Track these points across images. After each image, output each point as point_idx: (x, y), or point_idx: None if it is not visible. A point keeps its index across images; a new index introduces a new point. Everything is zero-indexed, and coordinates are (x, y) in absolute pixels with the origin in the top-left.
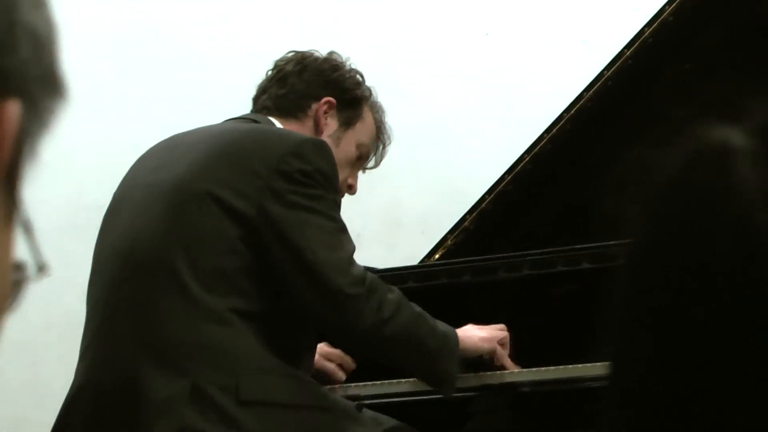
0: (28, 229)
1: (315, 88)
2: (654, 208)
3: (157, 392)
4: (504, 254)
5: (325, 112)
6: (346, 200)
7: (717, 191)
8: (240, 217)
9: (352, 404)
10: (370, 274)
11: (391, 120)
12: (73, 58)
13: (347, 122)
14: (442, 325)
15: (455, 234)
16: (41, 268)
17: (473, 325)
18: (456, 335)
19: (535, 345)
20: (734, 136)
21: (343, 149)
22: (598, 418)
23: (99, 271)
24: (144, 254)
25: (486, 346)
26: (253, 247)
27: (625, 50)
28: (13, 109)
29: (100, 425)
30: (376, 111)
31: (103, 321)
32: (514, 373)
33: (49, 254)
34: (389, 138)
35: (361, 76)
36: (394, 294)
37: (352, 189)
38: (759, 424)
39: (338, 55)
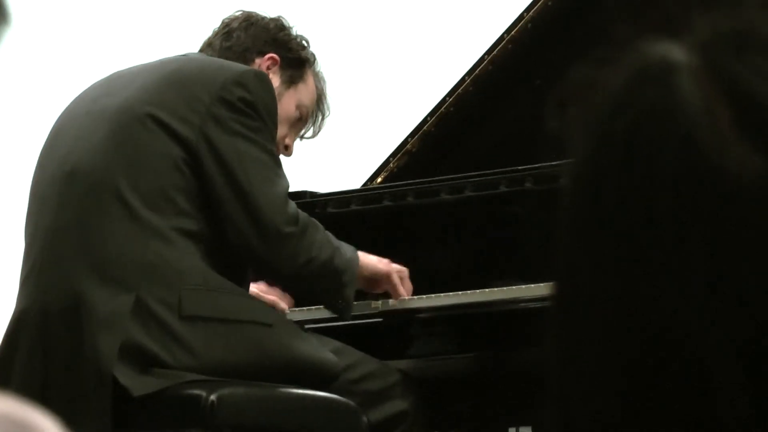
0: None
1: (260, 44)
2: (596, 127)
3: (101, 307)
4: (447, 176)
5: (268, 68)
6: None
7: (660, 109)
8: (181, 140)
9: (296, 324)
10: (301, 212)
11: (332, 42)
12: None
13: (289, 80)
14: (348, 251)
15: (397, 157)
16: None
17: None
18: (357, 260)
19: (478, 266)
20: (677, 53)
21: (283, 106)
22: (541, 340)
23: (39, 196)
24: (86, 176)
25: (382, 267)
26: (194, 169)
27: None
28: None
29: (47, 344)
30: (319, 80)
31: (45, 245)
32: (413, 299)
33: None
34: (329, 109)
35: (307, 42)
36: (319, 230)
37: (288, 150)
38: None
39: (285, 19)
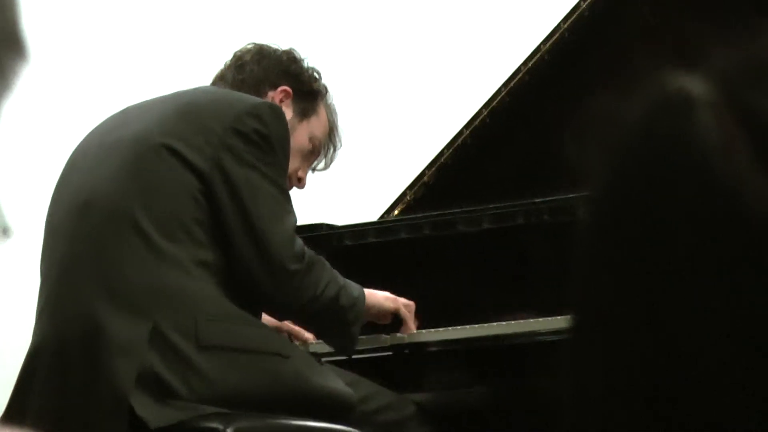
0: None
1: (273, 76)
2: (615, 158)
3: (117, 335)
4: (463, 208)
5: (281, 100)
6: None
7: (678, 141)
8: (196, 170)
9: (312, 357)
10: (308, 250)
11: (349, 74)
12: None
13: (302, 113)
14: (355, 290)
15: (414, 189)
16: (4, 231)
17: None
18: (364, 298)
19: (495, 298)
20: (695, 85)
21: (296, 139)
22: (559, 373)
23: (54, 229)
24: (102, 206)
25: (390, 304)
26: (209, 199)
27: (581, 2)
28: None
29: (64, 372)
30: (331, 112)
31: (60, 275)
32: (422, 333)
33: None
34: (340, 141)
35: (319, 74)
36: (326, 268)
37: (301, 182)
38: (719, 365)
39: (297, 51)
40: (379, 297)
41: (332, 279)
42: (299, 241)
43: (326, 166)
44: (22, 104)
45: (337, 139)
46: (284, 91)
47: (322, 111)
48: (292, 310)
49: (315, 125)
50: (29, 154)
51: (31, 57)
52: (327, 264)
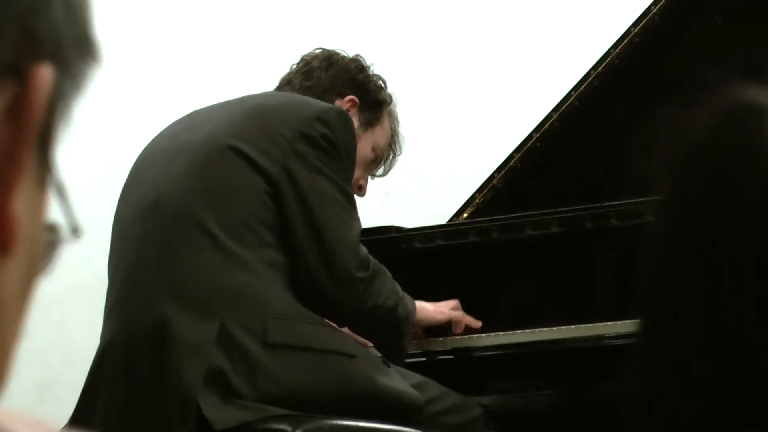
0: (61, 192)
1: (339, 85)
2: (683, 167)
3: (185, 335)
4: (532, 212)
5: (348, 110)
6: None
7: (745, 151)
8: (264, 173)
9: (379, 357)
10: (372, 258)
11: (418, 77)
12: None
13: (367, 123)
14: (410, 302)
15: (483, 192)
16: (75, 231)
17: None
18: (415, 311)
19: (564, 302)
20: (764, 95)
21: (360, 149)
22: (626, 376)
23: (121, 230)
24: (169, 207)
25: (439, 317)
26: (275, 202)
27: (652, 6)
28: (46, 72)
29: (131, 374)
30: (393, 119)
31: (128, 276)
32: (483, 337)
33: (79, 215)
34: (401, 148)
35: (384, 82)
36: (387, 278)
37: (362, 190)
38: None
39: (363, 58)
40: (429, 311)
41: (393, 290)
42: (364, 249)
43: (385, 173)
44: (91, 105)
45: (397, 147)
46: (351, 100)
47: (386, 120)
48: (353, 317)
49: (379, 135)
50: (98, 155)
51: (102, 60)
52: (388, 273)
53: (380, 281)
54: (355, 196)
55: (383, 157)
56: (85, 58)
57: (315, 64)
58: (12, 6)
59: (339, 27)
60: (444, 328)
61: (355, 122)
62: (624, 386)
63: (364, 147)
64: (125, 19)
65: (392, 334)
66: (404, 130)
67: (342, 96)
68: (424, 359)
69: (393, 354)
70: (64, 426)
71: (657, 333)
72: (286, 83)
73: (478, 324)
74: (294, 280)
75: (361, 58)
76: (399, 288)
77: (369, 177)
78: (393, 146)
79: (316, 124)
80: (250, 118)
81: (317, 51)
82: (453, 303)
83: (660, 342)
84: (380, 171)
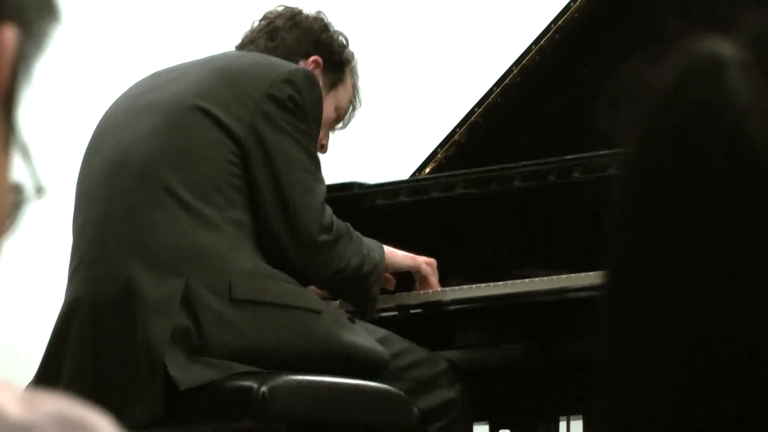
0: (25, 152)
1: (304, 46)
2: (648, 121)
3: (151, 294)
4: (495, 166)
5: (313, 71)
6: None
7: (711, 103)
8: (231, 134)
9: (344, 313)
10: (337, 220)
11: (377, 32)
12: None
13: (331, 84)
14: (376, 253)
15: (445, 147)
16: (39, 190)
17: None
18: (384, 259)
19: (528, 256)
20: (727, 48)
21: (324, 109)
22: (593, 329)
23: (86, 191)
24: (135, 167)
25: (408, 261)
26: (242, 163)
27: None
28: (9, 34)
29: (98, 333)
30: (354, 75)
31: (94, 236)
32: (446, 291)
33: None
34: (360, 102)
35: (347, 40)
36: (352, 238)
37: (324, 148)
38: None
39: (325, 15)
40: (398, 256)
41: (356, 249)
42: (329, 212)
43: (344, 126)
44: (52, 65)
45: (357, 101)
46: (315, 61)
47: (348, 79)
48: (316, 279)
49: (341, 94)
50: (59, 115)
51: (63, 18)
52: (352, 231)
53: (344, 243)
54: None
55: (344, 114)
56: (47, 17)
57: (279, 23)
58: None
59: None
60: (410, 282)
61: (320, 83)
62: (592, 339)
63: (328, 107)
64: None
65: (359, 291)
66: (366, 85)
67: (306, 57)
68: (394, 313)
69: (364, 306)
70: (28, 385)
71: (625, 286)
72: (249, 42)
73: (437, 287)
74: (260, 239)
75: (323, 16)
76: (363, 244)
77: (330, 133)
78: (353, 101)
79: (284, 86)
80: (217, 78)
81: (280, 8)
82: (430, 259)
83: (628, 294)
84: (339, 125)
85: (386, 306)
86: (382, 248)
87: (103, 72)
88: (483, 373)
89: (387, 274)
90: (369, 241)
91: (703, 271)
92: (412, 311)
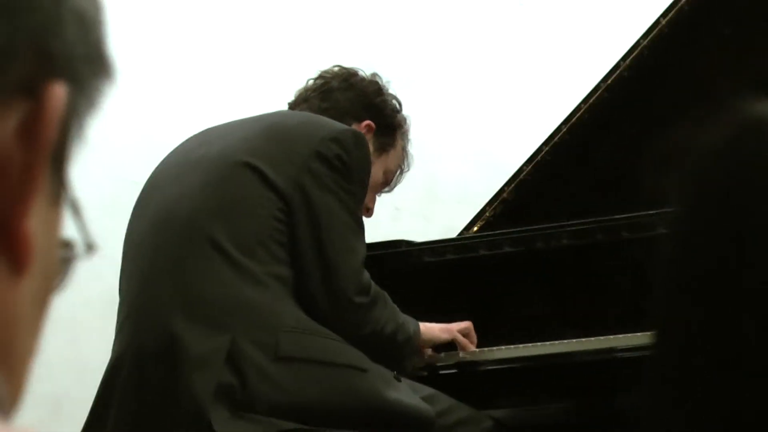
0: (75, 209)
1: (358, 109)
2: (698, 179)
3: (196, 348)
4: (543, 225)
5: (364, 135)
6: None
7: (758, 163)
8: (277, 189)
9: (389, 371)
10: (374, 285)
11: (427, 93)
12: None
13: (381, 148)
14: (411, 326)
15: (494, 205)
16: (89, 247)
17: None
18: (419, 335)
19: (573, 316)
20: None
21: (372, 173)
22: (639, 389)
23: (134, 245)
24: (182, 221)
25: (445, 335)
26: (288, 219)
27: (661, 18)
28: (60, 90)
29: (141, 387)
30: (404, 138)
31: (141, 289)
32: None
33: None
34: (409, 166)
35: (400, 103)
36: (387, 304)
37: (369, 212)
38: None
39: (380, 77)
40: (434, 330)
41: (392, 316)
42: (366, 275)
43: (390, 189)
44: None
45: (405, 164)
46: (368, 125)
47: (399, 143)
48: (350, 341)
49: (391, 159)
50: (110, 172)
51: (116, 77)
52: (389, 299)
53: (380, 308)
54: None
55: (393, 178)
56: (99, 75)
57: (334, 84)
58: (25, 24)
59: (352, 40)
60: (451, 344)
61: (370, 147)
62: (637, 399)
63: (377, 171)
64: (139, 35)
65: (392, 359)
66: (415, 142)
67: (359, 120)
68: (425, 374)
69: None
70: None
71: (672, 346)
72: (302, 101)
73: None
74: (298, 295)
75: (378, 79)
76: (399, 313)
77: (377, 196)
78: (402, 164)
79: (332, 145)
80: (266, 135)
81: (336, 69)
82: (464, 325)
83: (674, 355)
84: (387, 188)
85: (422, 366)
86: (417, 323)
87: (154, 128)
88: (528, 431)
89: (422, 349)
90: (404, 315)
91: (750, 329)
92: (449, 371)
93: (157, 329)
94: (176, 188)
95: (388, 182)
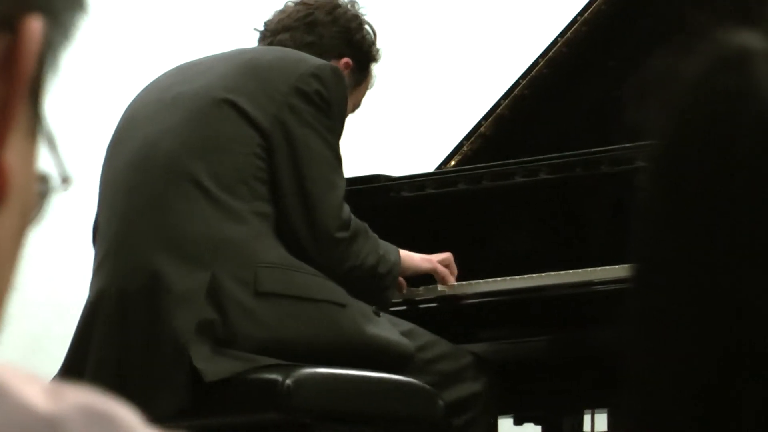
0: (51, 142)
1: (339, 46)
2: (676, 112)
3: (177, 285)
4: (521, 159)
5: (342, 70)
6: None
7: (738, 94)
8: (257, 126)
9: (369, 306)
10: (354, 219)
11: (406, 25)
12: None
13: (355, 83)
14: (392, 255)
15: (471, 140)
16: (65, 180)
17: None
18: (400, 263)
19: (554, 248)
20: (754, 40)
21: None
22: (619, 321)
23: (112, 183)
24: (161, 159)
25: (425, 264)
26: (268, 155)
27: None
28: (36, 24)
29: (124, 323)
30: (372, 75)
31: (120, 228)
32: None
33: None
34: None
35: (375, 33)
36: (369, 237)
37: None
38: None
39: (358, 4)
40: (415, 259)
41: (373, 248)
42: (347, 209)
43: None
44: (78, 56)
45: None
46: (346, 63)
47: (369, 77)
48: (331, 276)
49: (361, 91)
50: (85, 106)
51: (89, 9)
52: (369, 231)
53: (360, 241)
54: (354, 143)
55: (356, 110)
56: (74, 8)
57: (318, 15)
58: None
59: None
60: (430, 277)
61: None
62: (618, 331)
63: (349, 104)
64: None
65: (374, 290)
66: (392, 78)
67: (339, 57)
68: (405, 308)
69: (380, 306)
70: (54, 377)
71: (652, 277)
72: (284, 29)
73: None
74: (279, 231)
75: (358, 8)
76: (380, 244)
77: None
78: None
79: (312, 80)
80: (245, 71)
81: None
82: (444, 255)
83: (655, 286)
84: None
85: (401, 300)
86: (398, 252)
87: (128, 63)
88: (508, 366)
89: (400, 278)
90: (385, 244)
91: (730, 260)
92: (428, 305)
93: (139, 267)
94: (154, 127)
95: (353, 111)
